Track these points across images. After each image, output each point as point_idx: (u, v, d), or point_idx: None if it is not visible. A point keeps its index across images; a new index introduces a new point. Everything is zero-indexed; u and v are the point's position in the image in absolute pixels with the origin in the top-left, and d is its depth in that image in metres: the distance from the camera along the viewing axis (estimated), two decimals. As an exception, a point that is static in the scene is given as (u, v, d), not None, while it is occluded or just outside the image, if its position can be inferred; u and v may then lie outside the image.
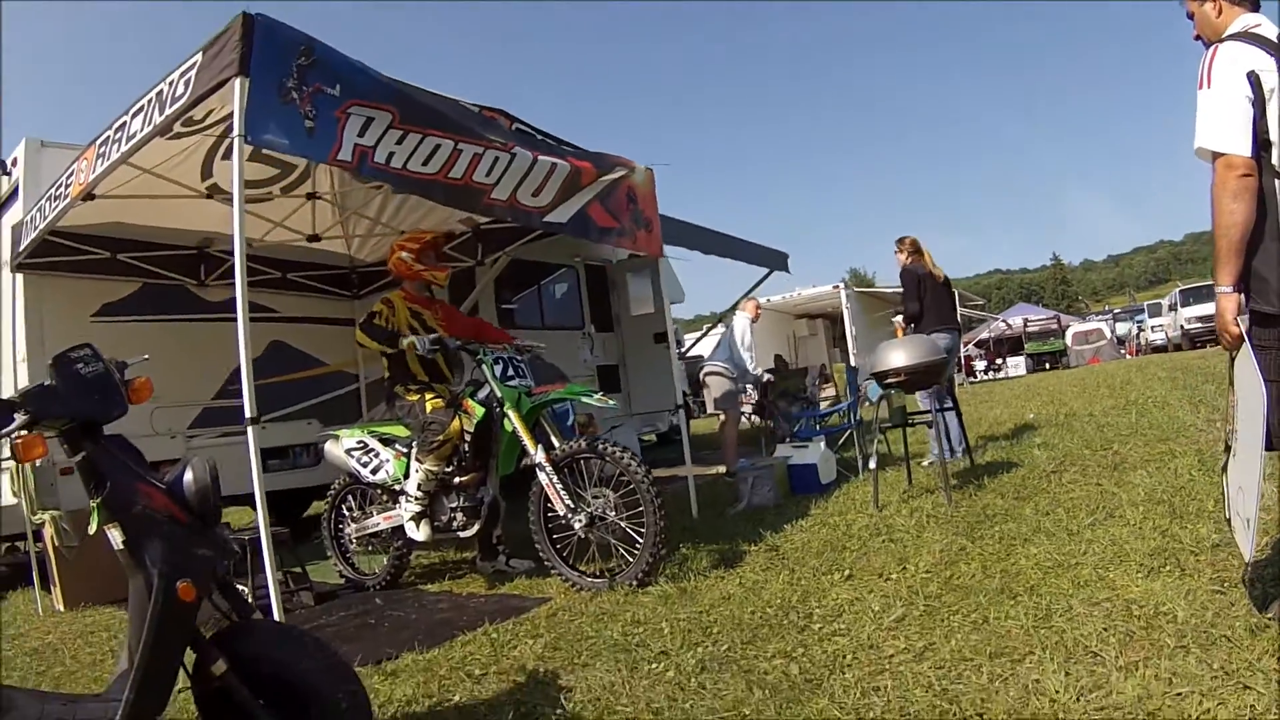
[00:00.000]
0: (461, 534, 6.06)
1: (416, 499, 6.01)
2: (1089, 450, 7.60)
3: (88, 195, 6.02)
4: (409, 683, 4.04)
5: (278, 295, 9.48)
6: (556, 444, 5.72)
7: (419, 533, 6.03)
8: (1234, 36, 2.99)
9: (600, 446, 5.47)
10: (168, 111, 4.88)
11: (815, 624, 4.08)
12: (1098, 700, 2.86)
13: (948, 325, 8.83)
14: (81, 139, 6.24)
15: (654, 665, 3.84)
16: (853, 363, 19.81)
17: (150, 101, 5.08)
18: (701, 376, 10.54)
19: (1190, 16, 3.33)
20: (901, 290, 9.19)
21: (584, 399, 5.89)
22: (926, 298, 8.71)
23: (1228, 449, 3.31)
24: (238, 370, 8.67)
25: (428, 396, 6.04)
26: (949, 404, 7.69)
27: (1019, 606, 3.81)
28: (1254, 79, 2.83)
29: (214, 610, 2.80)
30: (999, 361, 32.45)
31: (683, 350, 21.53)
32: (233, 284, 8.30)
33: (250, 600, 5.55)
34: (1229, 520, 3.39)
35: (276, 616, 4.37)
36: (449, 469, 6.00)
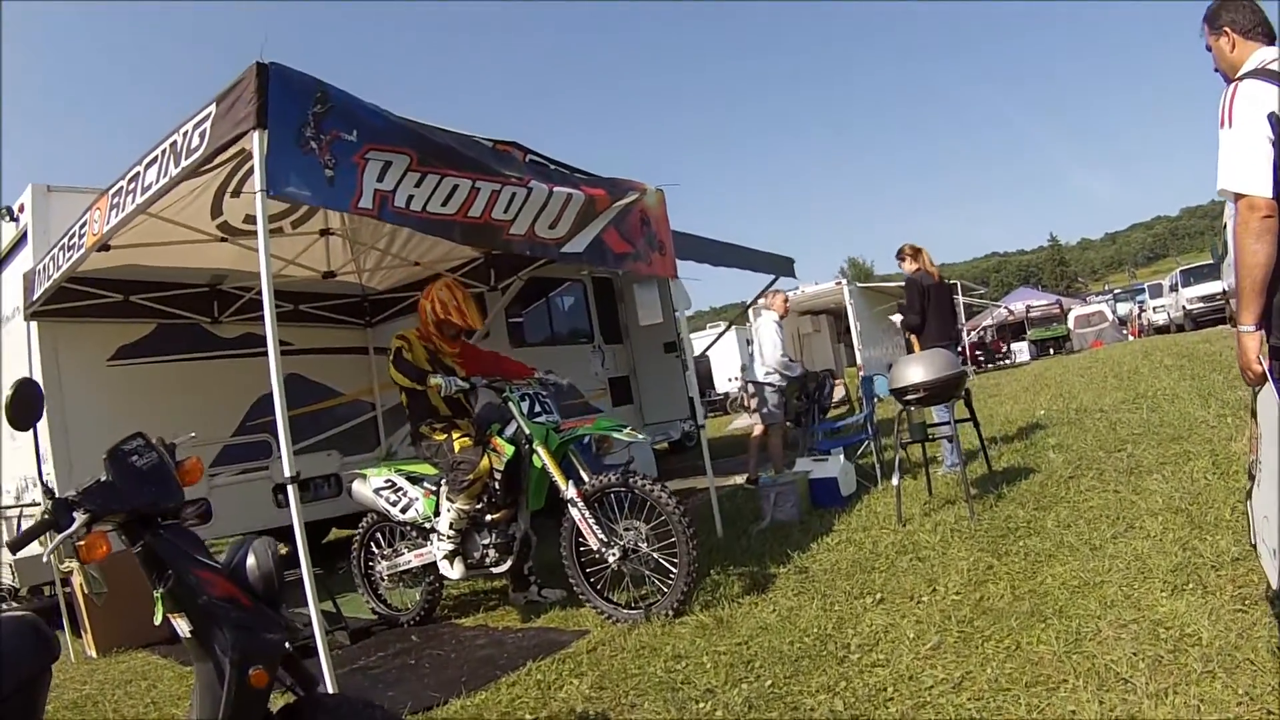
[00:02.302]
0: (495, 570, 6.09)
1: (449, 537, 6.04)
2: (1104, 452, 7.67)
3: (103, 246, 6.01)
4: (461, 733, 4.08)
5: (292, 328, 9.43)
6: (586, 478, 5.73)
7: (453, 571, 6.07)
8: (1253, 74, 3.01)
9: (630, 480, 5.51)
10: (184, 164, 4.85)
11: (854, 654, 4.17)
12: (1131, 728, 2.93)
13: (948, 338, 8.93)
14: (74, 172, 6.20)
15: (701, 704, 3.92)
16: (859, 361, 19.90)
17: (164, 152, 5.04)
18: (749, 389, 10.56)
19: (1209, 49, 3.37)
20: (906, 295, 9.30)
21: (614, 435, 5.89)
22: (929, 309, 8.79)
23: (1251, 478, 3.37)
24: (255, 405, 8.84)
25: (455, 435, 6.04)
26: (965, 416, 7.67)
27: (1050, 630, 3.90)
28: (1274, 120, 2.85)
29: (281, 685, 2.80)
30: (1005, 349, 32.47)
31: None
32: (247, 319, 8.31)
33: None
34: (1254, 546, 3.47)
35: (322, 659, 4.38)
36: (479, 506, 6.01)
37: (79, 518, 2.55)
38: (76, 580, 7.10)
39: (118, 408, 7.83)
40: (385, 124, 4.95)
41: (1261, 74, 2.99)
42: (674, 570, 5.37)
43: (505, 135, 6.41)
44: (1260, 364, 2.96)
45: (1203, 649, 3.39)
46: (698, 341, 28.35)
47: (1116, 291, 49.24)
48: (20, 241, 8.06)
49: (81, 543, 2.53)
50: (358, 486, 6.65)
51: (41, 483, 2.09)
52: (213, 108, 4.63)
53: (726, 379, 28.42)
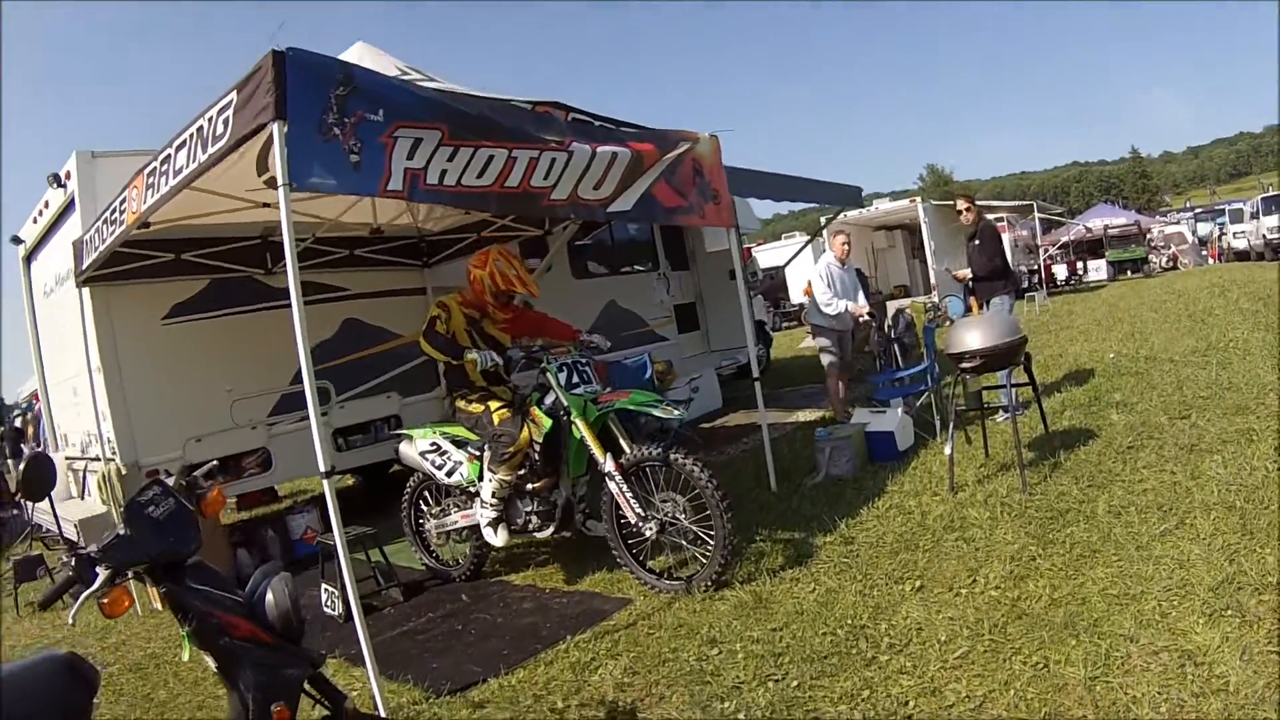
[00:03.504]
0: (538, 535, 6.15)
1: (491, 505, 6.09)
2: (1166, 418, 7.44)
3: (143, 224, 6.00)
4: (496, 719, 4.23)
5: (348, 273, 9.50)
6: (626, 448, 5.73)
7: (497, 538, 6.12)
8: None
9: (667, 455, 5.47)
10: (210, 151, 4.76)
11: (883, 655, 4.14)
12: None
13: (1015, 283, 8.76)
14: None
15: (725, 704, 3.95)
16: (933, 279, 19.64)
17: (192, 136, 4.95)
18: (811, 330, 10.37)
19: None
20: (977, 240, 9.03)
21: (650, 410, 5.76)
22: (1004, 253, 8.59)
23: None
24: (312, 352, 8.86)
25: (493, 406, 6.07)
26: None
27: (1080, 648, 3.81)
28: None
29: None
30: (1080, 268, 31.71)
31: (758, 276, 21.47)
32: (301, 268, 8.35)
33: (341, 598, 5.94)
34: None
35: (357, 622, 4.45)
36: (521, 474, 6.05)
37: (101, 574, 2.63)
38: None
39: (174, 365, 7.98)
40: (413, 100, 4.83)
41: None
42: (711, 540, 5.38)
43: (553, 95, 6.26)
44: None
45: (1227, 698, 3.27)
46: (775, 252, 28.17)
47: (1197, 210, 47.75)
48: (68, 207, 8.15)
49: (105, 600, 2.62)
50: (404, 448, 6.73)
51: (64, 540, 2.17)
52: (233, 95, 4.51)
53: (801, 291, 28.18)
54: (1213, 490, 5.47)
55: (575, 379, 5.94)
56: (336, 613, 6.14)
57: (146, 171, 5.62)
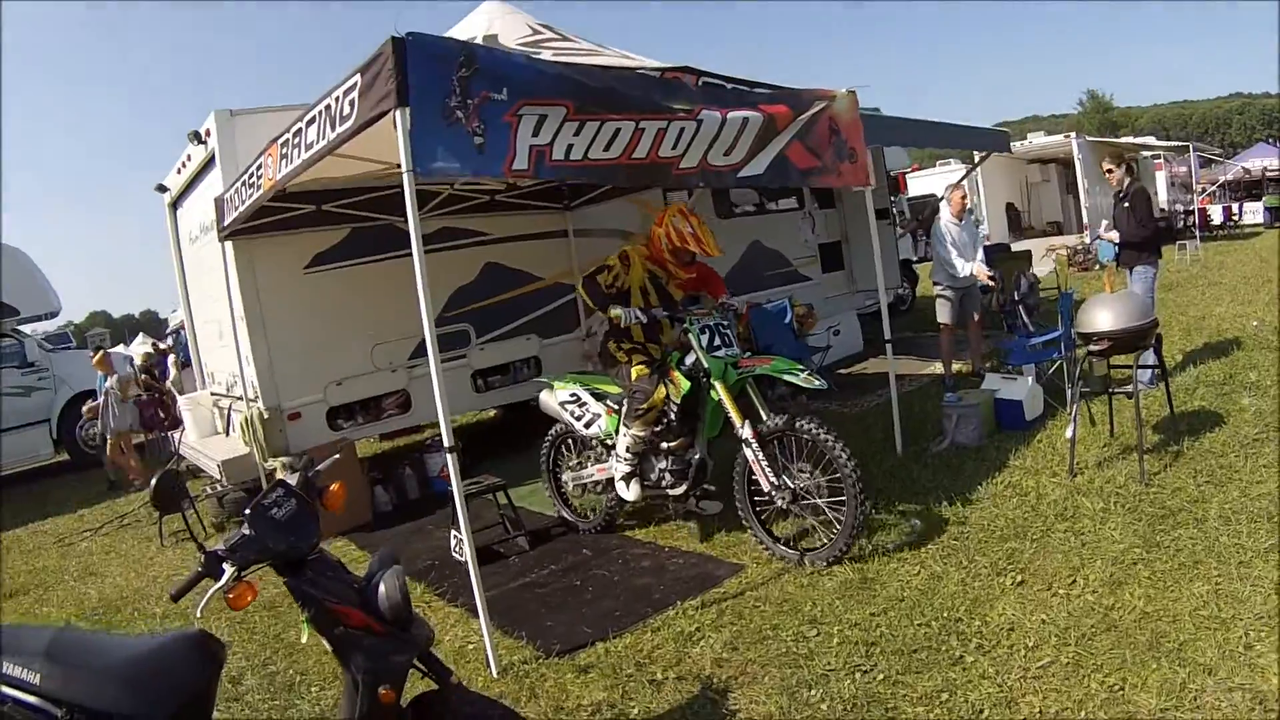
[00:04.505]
0: (670, 492, 6.18)
1: (625, 460, 6.19)
2: None
3: (279, 193, 6.27)
4: (597, 685, 4.47)
5: (488, 218, 9.73)
6: (763, 414, 5.76)
7: (629, 492, 6.25)
8: None
9: (804, 425, 5.51)
10: (340, 130, 4.94)
11: (970, 655, 4.23)
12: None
13: (1157, 250, 8.49)
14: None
15: (812, 692, 4.12)
16: (1085, 218, 19.03)
17: (321, 114, 5.15)
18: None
19: None
20: (1128, 202, 8.71)
21: (788, 377, 5.66)
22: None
23: None
24: (453, 296, 9.23)
25: (635, 360, 6.14)
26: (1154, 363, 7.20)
27: (1159, 673, 3.80)
28: None
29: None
30: (1235, 212, 30.19)
31: (905, 215, 21.11)
32: (443, 214, 8.40)
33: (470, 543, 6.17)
34: None
35: (474, 583, 4.82)
36: (657, 430, 6.13)
37: (228, 570, 2.87)
38: (280, 476, 7.72)
39: (315, 312, 8.42)
40: (537, 76, 4.89)
41: None
42: (839, 523, 5.44)
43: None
44: None
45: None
46: (930, 179, 27.52)
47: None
48: (209, 164, 8.55)
49: (230, 594, 2.86)
50: (544, 397, 6.90)
51: (196, 543, 2.38)
52: (357, 78, 4.65)
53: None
54: (1328, 505, 5.27)
55: (717, 341, 5.89)
56: (465, 559, 6.38)
57: (280, 142, 5.85)
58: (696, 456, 6.13)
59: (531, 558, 6.65)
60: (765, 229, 12.25)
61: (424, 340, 8.67)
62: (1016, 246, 19.39)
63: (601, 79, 5.25)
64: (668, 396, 5.98)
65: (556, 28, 6.78)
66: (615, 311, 5.88)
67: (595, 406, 6.49)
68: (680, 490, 6.13)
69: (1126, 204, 8.74)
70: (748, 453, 5.67)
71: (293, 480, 3.27)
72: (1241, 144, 72.15)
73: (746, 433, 5.65)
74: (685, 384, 5.94)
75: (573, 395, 6.62)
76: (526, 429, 9.98)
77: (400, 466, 9.04)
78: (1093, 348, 6.32)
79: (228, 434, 9.64)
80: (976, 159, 16.09)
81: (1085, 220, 20.04)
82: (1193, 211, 26.29)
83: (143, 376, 13.53)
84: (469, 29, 6.65)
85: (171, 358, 18.84)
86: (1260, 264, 17.52)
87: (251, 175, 6.57)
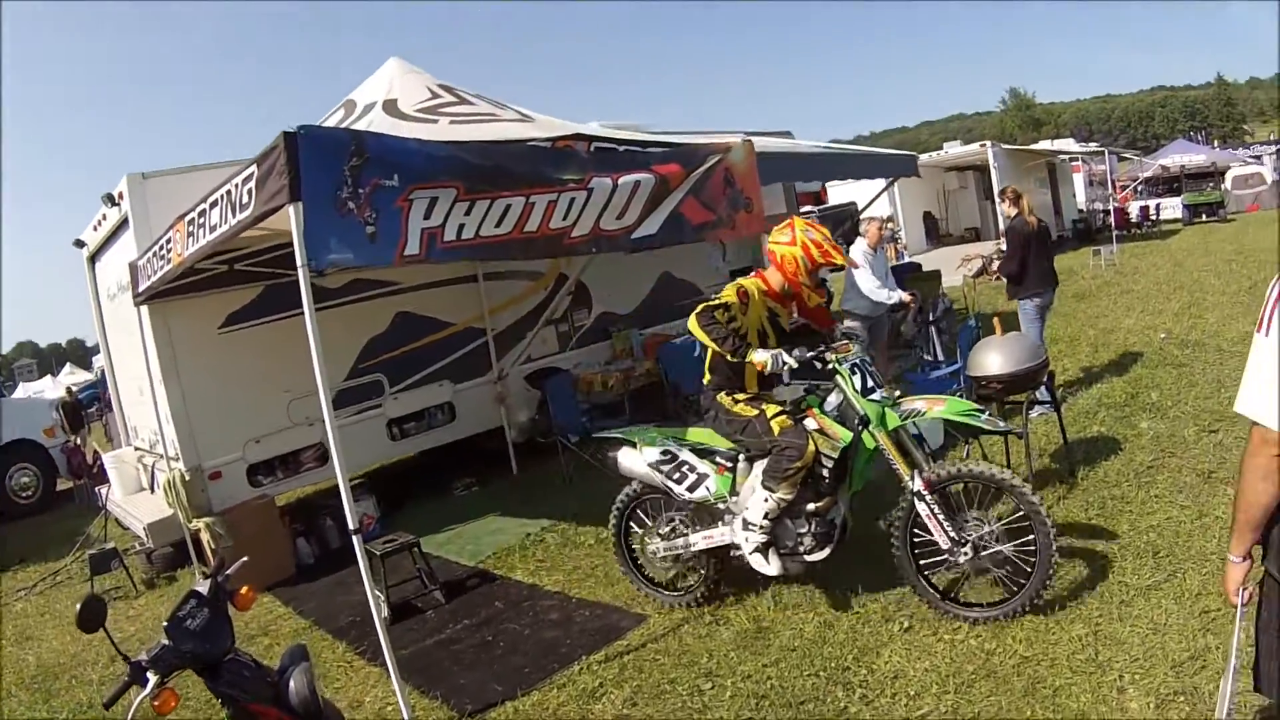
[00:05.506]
0: (808, 558, 5.39)
1: (761, 528, 5.34)
2: (1194, 430, 7.38)
3: (187, 270, 6.36)
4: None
5: (398, 268, 9.74)
6: (921, 461, 5.12)
7: (770, 566, 5.38)
8: None
9: (976, 469, 5.03)
10: (239, 217, 5.07)
11: (854, 706, 4.41)
12: None
13: (1047, 284, 8.83)
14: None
15: None
16: (1001, 226, 19.39)
17: (222, 198, 5.27)
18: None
19: None
20: (1004, 238, 9.15)
21: (970, 420, 5.08)
22: (1030, 257, 8.67)
23: None
24: (365, 348, 9.31)
25: (769, 411, 5.28)
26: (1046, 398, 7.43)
27: None
28: None
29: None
30: (1154, 211, 31.03)
31: None
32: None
33: (388, 602, 6.56)
34: None
35: (386, 653, 4.87)
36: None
37: (152, 678, 3.18)
38: (204, 537, 7.83)
39: (231, 371, 8.46)
40: (427, 160, 4.93)
41: None
42: (1025, 565, 4.88)
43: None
44: (1238, 596, 2.77)
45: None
46: (848, 187, 27.78)
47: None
48: (122, 225, 8.58)
49: (156, 701, 3.18)
50: (627, 458, 5.93)
51: (120, 654, 2.65)
52: (254, 169, 4.75)
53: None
54: (1212, 536, 5.39)
55: (870, 383, 5.20)
56: (384, 615, 6.46)
57: (187, 220, 5.93)
58: (840, 516, 5.41)
59: (447, 611, 6.74)
60: (676, 260, 12.46)
61: (339, 392, 8.96)
62: (934, 255, 19.80)
63: (491, 156, 5.31)
64: (819, 451, 5.18)
65: (457, 89, 6.87)
66: (761, 357, 5.11)
67: (701, 466, 5.62)
68: (820, 555, 5.35)
69: (1004, 239, 9.26)
70: (921, 507, 4.97)
71: (204, 588, 3.52)
72: (1164, 136, 73.92)
73: (917, 484, 4.97)
74: (845, 434, 5.16)
75: (666, 454, 5.71)
76: (444, 472, 10.29)
77: (321, 517, 9.09)
78: (982, 392, 6.59)
79: (152, 490, 9.67)
80: (860, 212, 16.49)
81: (1001, 226, 20.45)
82: (1109, 212, 26.95)
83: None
84: (371, 92, 6.72)
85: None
86: (1174, 268, 18.10)
87: (161, 247, 6.62)
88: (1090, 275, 18.64)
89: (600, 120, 11.04)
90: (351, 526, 4.87)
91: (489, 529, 8.60)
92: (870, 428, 5.08)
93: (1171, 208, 31.25)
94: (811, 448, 5.07)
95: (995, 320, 7.42)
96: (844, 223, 22.12)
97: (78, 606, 3.40)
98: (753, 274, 5.72)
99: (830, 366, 5.21)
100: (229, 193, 5.16)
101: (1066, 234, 26.85)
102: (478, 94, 6.96)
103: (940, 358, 10.11)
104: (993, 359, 6.55)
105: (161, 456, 8.68)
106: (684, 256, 12.64)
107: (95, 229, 9.48)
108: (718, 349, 5.22)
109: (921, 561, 5.11)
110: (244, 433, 8.56)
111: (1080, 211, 29.29)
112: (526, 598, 6.72)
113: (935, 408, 5.09)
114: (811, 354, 5.20)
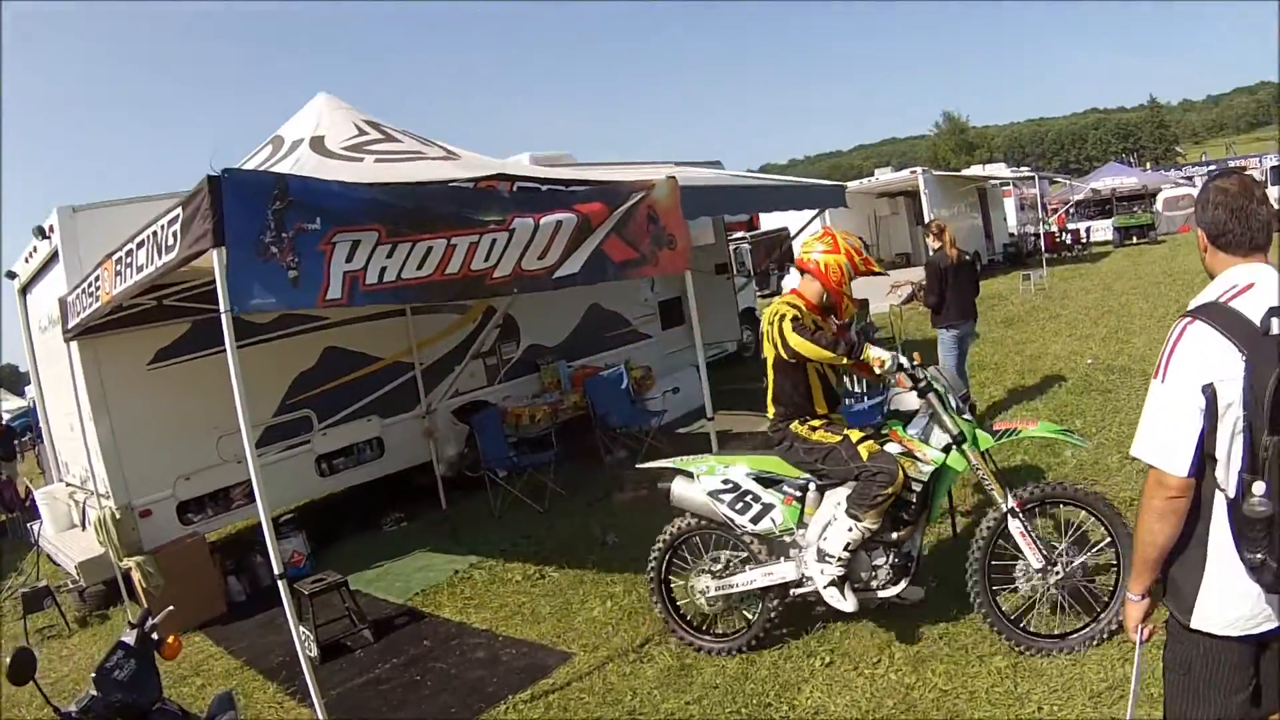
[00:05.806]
0: (881, 594, 5.12)
1: (839, 560, 5.03)
2: (1118, 458, 7.50)
3: (116, 306, 6.33)
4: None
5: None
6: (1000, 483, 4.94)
7: (847, 602, 5.04)
8: (1211, 317, 2.54)
9: (1066, 487, 4.94)
10: (164, 259, 5.07)
11: (773, 743, 4.44)
12: None
13: (966, 316, 9.19)
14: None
15: None
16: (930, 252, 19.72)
17: (149, 239, 5.28)
18: None
19: None
20: (925, 275, 9.48)
21: (1064, 437, 5.17)
22: (949, 290, 8.90)
23: None
24: (294, 384, 9.26)
25: (854, 436, 5.05)
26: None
27: None
28: (1210, 393, 2.49)
29: None
30: (1084, 235, 31.71)
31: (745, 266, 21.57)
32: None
33: (317, 642, 6.51)
34: None
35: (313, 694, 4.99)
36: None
37: None
38: (135, 576, 7.74)
39: (161, 408, 8.34)
40: (350, 204, 4.96)
41: (1220, 318, 2.53)
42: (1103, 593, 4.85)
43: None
44: (1137, 633, 2.85)
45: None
46: (780, 216, 28.04)
47: (1211, 168, 47.50)
48: (53, 258, 8.47)
49: None
50: (682, 488, 5.56)
51: (52, 706, 2.70)
52: (179, 211, 4.77)
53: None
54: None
55: (953, 401, 5.04)
56: (313, 654, 6.43)
57: (115, 259, 5.90)
58: (917, 546, 5.16)
59: (376, 650, 6.71)
60: (603, 292, 12.46)
61: (268, 429, 8.90)
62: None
63: (414, 198, 5.34)
64: (908, 476, 4.92)
65: (383, 125, 6.89)
66: (879, 353, 4.94)
67: (767, 495, 5.29)
68: (894, 590, 5.08)
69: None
70: (1014, 525, 4.78)
71: (130, 638, 3.51)
72: (1098, 158, 75.53)
73: (1011, 503, 4.81)
74: (937, 456, 4.94)
75: (727, 483, 5.35)
76: (374, 507, 10.23)
77: (252, 554, 8.99)
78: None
79: (84, 528, 9.53)
80: (791, 239, 16.74)
81: (932, 251, 20.78)
82: (1039, 236, 27.49)
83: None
84: (299, 128, 6.73)
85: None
86: (1104, 292, 18.52)
87: (90, 284, 6.60)
88: (1019, 300, 19.02)
89: (532, 150, 11.14)
90: (276, 571, 4.84)
91: (417, 565, 8.56)
92: (963, 447, 4.92)
93: (1103, 229, 32.03)
94: (902, 474, 4.85)
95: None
96: (774, 250, 22.41)
97: (7, 660, 3.40)
98: (788, 291, 5.58)
99: (925, 382, 5.01)
100: (155, 234, 5.16)
101: (998, 258, 27.38)
102: (404, 130, 7.00)
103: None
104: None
105: (92, 493, 8.58)
106: (612, 288, 12.60)
107: (27, 260, 9.36)
108: (831, 356, 4.94)
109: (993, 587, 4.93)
110: (174, 469, 8.44)
111: (1011, 235, 29.89)
112: (454, 635, 6.71)
113: (1029, 427, 5.07)
114: (914, 363, 5.08)
